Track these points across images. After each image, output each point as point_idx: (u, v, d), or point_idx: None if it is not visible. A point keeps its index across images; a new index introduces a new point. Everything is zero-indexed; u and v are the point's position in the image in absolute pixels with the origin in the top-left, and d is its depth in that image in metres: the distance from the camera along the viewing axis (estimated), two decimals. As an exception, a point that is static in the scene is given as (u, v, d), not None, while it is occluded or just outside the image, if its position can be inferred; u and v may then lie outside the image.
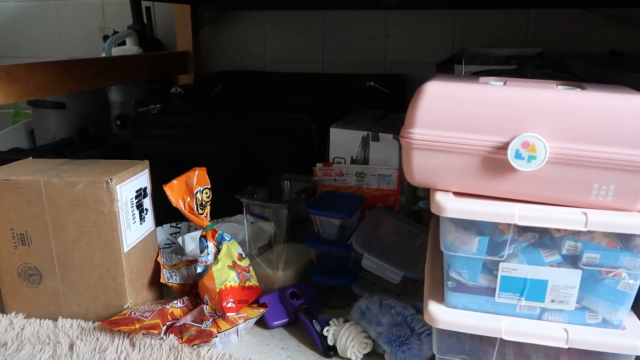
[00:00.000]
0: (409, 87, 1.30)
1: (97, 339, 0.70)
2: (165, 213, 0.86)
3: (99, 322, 0.72)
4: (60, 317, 0.75)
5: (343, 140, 0.93)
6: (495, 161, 0.52)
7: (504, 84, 0.57)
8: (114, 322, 0.70)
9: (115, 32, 1.42)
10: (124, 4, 1.48)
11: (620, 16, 1.19)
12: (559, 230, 0.52)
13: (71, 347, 0.69)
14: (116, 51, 1.39)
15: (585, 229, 0.50)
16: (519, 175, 0.52)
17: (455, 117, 0.53)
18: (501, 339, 0.56)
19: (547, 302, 0.55)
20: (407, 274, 0.75)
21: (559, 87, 0.57)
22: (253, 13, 1.46)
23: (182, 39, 1.46)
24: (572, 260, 0.53)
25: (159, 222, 0.87)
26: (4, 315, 0.76)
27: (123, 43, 1.42)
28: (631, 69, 0.75)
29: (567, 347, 0.54)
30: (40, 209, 0.72)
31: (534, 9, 1.25)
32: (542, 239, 0.54)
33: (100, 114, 1.43)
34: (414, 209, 0.94)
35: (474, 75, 0.65)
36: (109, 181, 0.69)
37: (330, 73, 1.41)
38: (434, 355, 0.63)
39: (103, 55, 1.39)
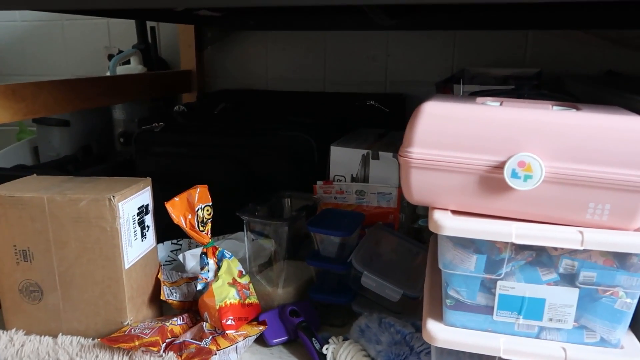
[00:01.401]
0: (409, 106, 1.32)
1: (97, 356, 0.70)
2: (167, 230, 0.86)
3: (99, 339, 0.72)
4: (60, 333, 0.75)
5: (343, 159, 0.94)
6: (492, 180, 0.53)
7: (501, 104, 0.58)
8: (113, 339, 0.70)
9: (120, 51, 1.45)
10: (130, 24, 1.51)
11: (618, 37, 1.21)
12: (555, 248, 0.53)
13: (71, 364, 0.69)
14: (121, 70, 1.41)
15: (582, 248, 0.51)
16: (516, 194, 0.53)
17: (452, 137, 0.54)
18: (500, 358, 0.56)
19: (545, 320, 0.55)
20: (406, 292, 0.75)
21: (555, 107, 0.58)
22: (256, 33, 1.49)
23: (186, 58, 1.48)
24: (569, 279, 0.53)
25: (160, 238, 0.87)
26: (4, 331, 0.76)
27: (128, 62, 1.44)
28: (628, 90, 0.76)
29: (565, 366, 0.54)
30: (43, 225, 0.72)
31: (531, 30, 1.27)
32: (539, 257, 0.54)
33: (104, 131, 1.45)
34: (413, 227, 0.94)
35: (472, 96, 0.66)
36: (112, 198, 0.70)
37: (331, 92, 1.43)
38: (433, 374, 0.63)
39: (108, 73, 1.41)
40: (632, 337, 0.56)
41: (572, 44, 1.25)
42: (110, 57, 1.44)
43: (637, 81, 1.04)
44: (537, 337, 0.56)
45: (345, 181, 0.95)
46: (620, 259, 0.52)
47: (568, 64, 1.25)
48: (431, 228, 0.55)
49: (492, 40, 1.30)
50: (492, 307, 0.56)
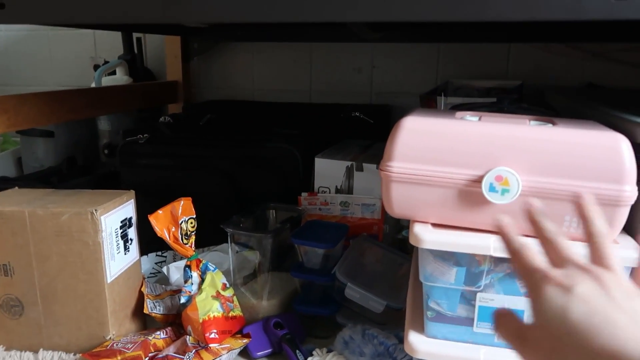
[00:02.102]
0: (394, 117, 1.32)
1: (78, 371, 0.69)
2: (152, 242, 0.86)
3: (81, 355, 0.72)
4: (42, 349, 0.75)
5: (328, 170, 0.95)
6: (471, 194, 0.54)
7: (479, 119, 0.59)
8: (95, 354, 0.70)
9: (106, 62, 1.45)
10: (116, 35, 1.51)
11: (598, 50, 1.24)
12: (533, 261, 0.54)
13: (51, 379, 0.68)
14: (106, 80, 1.41)
15: (558, 260, 0.51)
16: (494, 208, 0.54)
17: (431, 151, 0.55)
18: (481, 369, 0.57)
19: (524, 332, 0.56)
20: (390, 303, 0.75)
21: (532, 122, 0.59)
22: (242, 44, 1.49)
23: (172, 68, 1.48)
24: (547, 291, 0.54)
25: (145, 250, 0.87)
26: (-16, 347, 0.75)
27: (113, 72, 1.44)
28: (607, 103, 0.78)
29: None
30: (24, 239, 0.72)
31: (514, 43, 1.29)
32: (517, 269, 0.55)
33: (89, 142, 1.44)
34: (397, 237, 0.95)
35: (452, 110, 0.68)
36: (94, 212, 0.70)
37: (317, 103, 1.44)
38: (416, 386, 0.63)
39: (93, 84, 1.41)
40: (609, 348, 0.57)
41: (554, 57, 1.27)
42: (96, 67, 1.43)
43: (616, 94, 1.06)
44: (517, 348, 0.57)
45: (329, 192, 0.95)
46: (596, 271, 0.53)
47: (549, 76, 1.28)
48: (411, 241, 0.55)
49: (476, 53, 1.32)
50: (473, 319, 0.57)
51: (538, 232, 0.40)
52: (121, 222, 0.75)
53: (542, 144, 0.52)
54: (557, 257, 0.38)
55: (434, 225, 0.57)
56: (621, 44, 1.21)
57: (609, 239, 0.38)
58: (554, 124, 0.57)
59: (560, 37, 1.20)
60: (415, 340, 0.58)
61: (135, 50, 1.48)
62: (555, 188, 0.51)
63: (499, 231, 0.41)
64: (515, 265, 0.39)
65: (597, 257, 0.37)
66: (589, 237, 0.38)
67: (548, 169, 0.52)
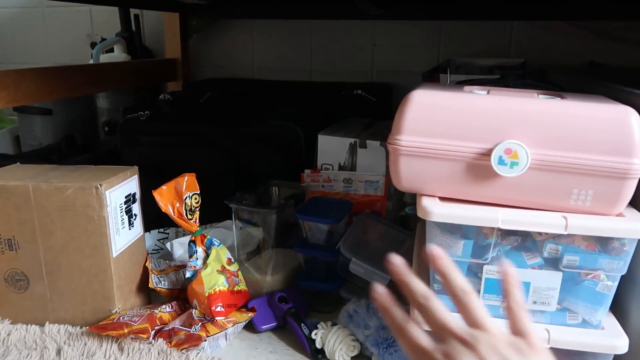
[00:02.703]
0: (396, 96, 1.32)
1: (85, 344, 0.70)
2: (153, 219, 0.86)
3: (87, 327, 0.72)
4: (47, 322, 0.75)
5: (331, 147, 0.94)
6: (480, 167, 0.54)
7: (488, 92, 0.59)
8: (102, 327, 0.70)
9: (103, 39, 1.43)
10: (113, 11, 1.48)
11: (599, 29, 1.23)
12: (540, 233, 0.54)
13: (59, 352, 0.68)
14: (104, 58, 1.39)
15: (566, 233, 0.52)
16: (502, 181, 0.54)
17: (440, 125, 0.55)
18: (485, 341, 0.57)
19: (529, 303, 0.56)
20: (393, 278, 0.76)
21: (540, 96, 0.59)
22: (242, 22, 1.47)
23: (171, 46, 1.46)
24: (553, 263, 0.55)
25: (147, 227, 0.87)
26: (-10, 321, 0.75)
27: (111, 50, 1.42)
28: (610, 81, 0.78)
29: (548, 347, 0.55)
30: (28, 214, 0.71)
31: (516, 21, 1.28)
32: (524, 242, 0.55)
33: (88, 120, 1.43)
34: (400, 214, 0.95)
35: (459, 84, 0.67)
36: (99, 186, 0.70)
37: (318, 81, 1.43)
38: (421, 358, 0.64)
39: (91, 62, 1.39)
40: (613, 319, 0.58)
41: (556, 35, 1.26)
42: (93, 45, 1.41)
43: (618, 72, 1.06)
44: (522, 319, 0.57)
45: (332, 170, 0.95)
46: (602, 243, 0.53)
47: (551, 55, 1.27)
48: (419, 214, 0.55)
49: (478, 31, 1.31)
50: (479, 291, 0.57)
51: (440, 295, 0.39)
52: (125, 197, 0.75)
53: (551, 116, 0.52)
54: (438, 329, 0.36)
55: (442, 199, 0.57)
56: (623, 22, 1.21)
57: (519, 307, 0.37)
58: (562, 97, 0.57)
59: (562, 15, 1.19)
60: (421, 312, 0.58)
61: (133, 28, 1.46)
62: (564, 161, 0.52)
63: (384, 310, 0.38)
64: (400, 341, 0.38)
65: (515, 329, 0.36)
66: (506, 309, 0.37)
67: (557, 142, 0.52)
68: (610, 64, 1.22)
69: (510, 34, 1.30)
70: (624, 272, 0.54)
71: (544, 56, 1.27)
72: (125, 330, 0.69)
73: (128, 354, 0.68)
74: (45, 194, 0.71)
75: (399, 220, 0.95)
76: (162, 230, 1.01)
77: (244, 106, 1.19)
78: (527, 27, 1.28)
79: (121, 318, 0.72)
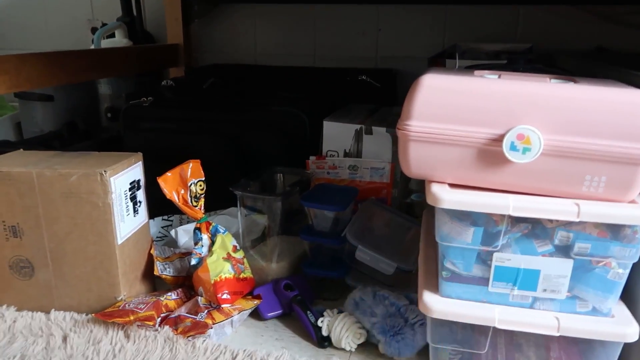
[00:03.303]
0: (400, 82, 1.31)
1: (91, 331, 0.70)
2: (157, 206, 0.85)
3: (93, 315, 0.72)
4: (53, 309, 0.75)
5: (336, 134, 0.93)
6: (491, 153, 0.53)
7: (499, 77, 0.58)
8: (108, 314, 0.70)
9: (104, 24, 1.41)
10: (113, -4, 1.46)
11: (607, 13, 1.21)
12: (551, 221, 0.54)
13: (65, 339, 0.68)
14: (105, 43, 1.38)
15: (577, 220, 0.51)
16: (514, 167, 0.53)
17: (451, 110, 0.54)
18: (494, 328, 0.57)
19: (539, 291, 0.56)
20: (400, 266, 0.76)
21: (553, 80, 0.58)
22: (244, 6, 1.45)
23: (173, 31, 1.44)
24: (564, 250, 0.54)
25: (151, 215, 0.86)
26: (-5, 308, 0.75)
27: (112, 35, 1.40)
28: (618, 65, 0.77)
29: (558, 334, 0.55)
30: (32, 201, 0.71)
31: (522, 5, 1.26)
32: (535, 229, 0.55)
33: (89, 107, 1.41)
34: (406, 201, 0.94)
35: (469, 69, 0.66)
36: (104, 173, 0.69)
37: (321, 67, 1.41)
38: (427, 345, 0.64)
39: (92, 47, 1.37)
40: (623, 307, 0.57)
41: (563, 19, 1.25)
42: (93, 30, 1.40)
43: (626, 57, 1.05)
44: (531, 307, 0.57)
45: (338, 156, 0.94)
46: (614, 231, 0.53)
47: (558, 39, 1.25)
48: (429, 201, 0.55)
49: (484, 16, 1.29)
50: (488, 279, 0.57)
51: None
52: (130, 184, 0.75)
53: (565, 101, 0.51)
54: None
55: (451, 185, 0.57)
56: (631, 6, 1.19)
57: None
58: (575, 82, 0.56)
59: (570, -1, 1.17)
60: (430, 299, 0.58)
61: (134, 13, 1.44)
62: (578, 147, 0.51)
63: None
64: None
65: None
66: None
67: (571, 127, 0.51)
68: (618, 48, 1.21)
69: (517, 18, 1.28)
70: (635, 259, 0.53)
71: (551, 41, 1.25)
72: (131, 318, 0.69)
73: (134, 341, 0.67)
74: (49, 180, 0.70)
75: (405, 208, 0.95)
76: (165, 217, 1.00)
77: (247, 92, 1.18)
78: (534, 11, 1.26)
79: (127, 305, 0.71)
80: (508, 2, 1.25)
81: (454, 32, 1.32)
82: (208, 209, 0.96)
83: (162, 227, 1.00)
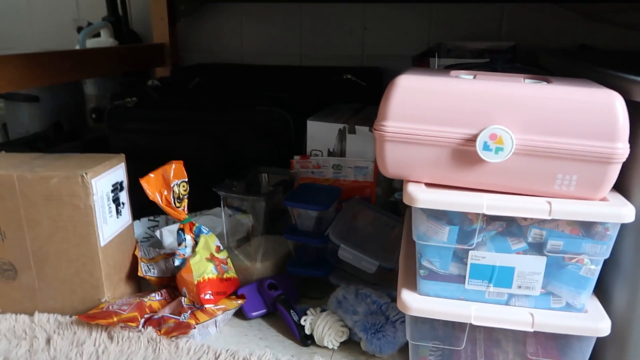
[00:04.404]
0: (386, 80, 1.31)
1: (75, 333, 0.70)
2: (143, 206, 0.86)
3: (76, 316, 0.72)
4: (37, 312, 0.75)
5: (320, 133, 0.94)
6: (465, 153, 0.54)
7: (474, 77, 0.59)
8: (91, 316, 0.70)
9: (89, 24, 1.40)
10: (99, -5, 1.46)
11: (590, 11, 1.22)
12: (525, 219, 0.55)
13: (48, 341, 0.69)
14: (91, 43, 1.37)
15: (550, 218, 0.52)
16: (488, 167, 0.54)
17: (426, 110, 0.54)
18: (471, 325, 0.58)
19: (514, 288, 0.57)
20: (382, 264, 0.76)
21: (526, 80, 0.58)
22: (230, 5, 1.45)
23: (159, 31, 1.44)
24: (537, 248, 0.55)
25: (137, 215, 0.87)
26: (-21, 311, 0.75)
27: (98, 35, 1.40)
28: (600, 64, 0.78)
29: (532, 330, 0.56)
30: (13, 204, 0.71)
31: (508, 4, 1.27)
32: (509, 227, 0.56)
33: (75, 107, 1.41)
34: (390, 200, 0.95)
35: (446, 69, 0.67)
36: (84, 175, 0.69)
37: (307, 66, 1.42)
38: (408, 342, 0.65)
39: (77, 47, 1.37)
40: (596, 302, 0.59)
41: (547, 18, 1.26)
42: (79, 30, 1.39)
43: (609, 55, 1.06)
44: (507, 303, 0.58)
45: (322, 156, 0.95)
46: (586, 228, 0.54)
47: (543, 38, 1.26)
48: (405, 201, 0.55)
49: (469, 14, 1.30)
50: (464, 277, 0.58)
51: None
52: (112, 185, 0.75)
53: (536, 101, 0.51)
54: None
55: (428, 185, 0.57)
56: (615, 5, 1.20)
57: None
58: (548, 82, 0.57)
59: (554, -3, 1.18)
60: (408, 297, 0.59)
61: (120, 12, 1.44)
62: (549, 146, 0.52)
63: None
64: None
65: None
66: None
67: (542, 127, 0.51)
68: (602, 46, 1.22)
69: (502, 16, 1.29)
70: (607, 256, 0.54)
71: (535, 39, 1.26)
72: (115, 319, 0.69)
73: (118, 342, 0.68)
74: (30, 183, 0.70)
75: (389, 206, 0.95)
76: (152, 218, 1.01)
77: (232, 92, 1.18)
78: (519, 10, 1.27)
79: (110, 307, 0.72)
80: (493, 1, 1.26)
81: (439, 31, 1.33)
82: (194, 209, 0.97)
83: (149, 228, 1.00)
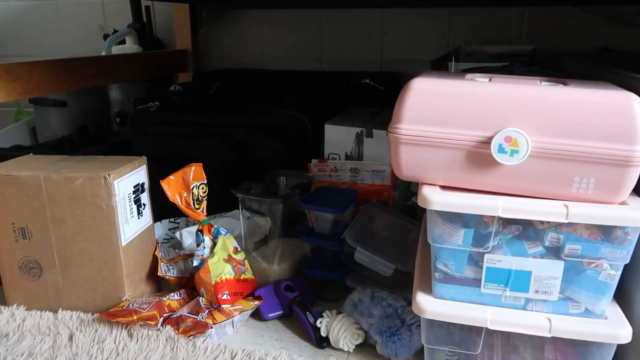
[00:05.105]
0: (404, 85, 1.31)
1: (96, 330, 0.72)
2: (165, 208, 0.88)
3: (98, 314, 0.74)
4: (60, 309, 0.77)
5: (338, 137, 0.94)
6: (480, 155, 0.54)
7: (489, 80, 0.58)
8: (112, 314, 0.72)
9: (115, 31, 1.44)
10: (124, 3, 1.50)
11: (613, 14, 1.20)
12: (542, 222, 0.54)
13: (71, 338, 0.71)
14: (116, 50, 1.41)
15: (567, 221, 0.52)
16: (503, 169, 0.54)
17: (441, 113, 0.54)
18: (488, 330, 0.58)
19: (531, 292, 0.56)
20: (398, 267, 0.76)
21: (543, 83, 0.58)
22: (251, 12, 1.48)
23: (181, 37, 1.47)
24: (554, 252, 0.55)
25: (158, 217, 0.88)
26: (6, 307, 0.78)
27: (123, 42, 1.43)
28: (622, 66, 0.77)
29: (550, 336, 0.55)
30: (40, 203, 0.73)
31: (528, 7, 1.26)
32: (525, 231, 0.55)
33: (101, 112, 1.45)
34: (407, 204, 0.95)
35: (462, 72, 0.67)
36: (107, 176, 0.71)
37: (326, 71, 1.43)
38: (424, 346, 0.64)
39: (103, 54, 1.41)
40: (616, 308, 0.57)
41: (568, 21, 1.24)
42: (105, 37, 1.43)
43: (632, 58, 1.04)
44: (524, 308, 0.57)
45: (339, 159, 0.96)
46: (605, 232, 0.53)
47: (564, 41, 1.25)
48: (420, 203, 0.56)
49: (488, 18, 1.29)
50: (480, 280, 0.57)
51: None
52: (134, 187, 0.77)
53: (552, 103, 0.51)
54: None
55: (442, 187, 0.57)
56: (636, 7, 1.18)
57: None
58: (565, 84, 0.56)
59: (575, 0, 1.17)
60: (423, 300, 0.59)
61: (144, 19, 1.48)
62: (566, 149, 0.51)
63: None
64: None
65: None
66: None
67: (558, 129, 0.51)
68: (625, 49, 1.20)
69: (522, 20, 1.27)
70: (627, 261, 0.53)
71: (556, 42, 1.25)
72: (134, 317, 0.71)
73: (137, 340, 0.69)
74: (56, 183, 0.72)
75: (406, 210, 0.95)
76: (172, 219, 1.02)
77: (252, 96, 1.20)
78: (539, 13, 1.26)
79: (130, 305, 0.73)
80: (513, 4, 1.25)
81: (458, 35, 1.32)
82: (213, 211, 0.98)
83: (169, 229, 1.02)
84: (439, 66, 1.09)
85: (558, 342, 0.60)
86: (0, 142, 1.40)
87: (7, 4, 1.71)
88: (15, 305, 0.78)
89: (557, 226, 0.54)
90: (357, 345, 0.71)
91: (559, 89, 0.53)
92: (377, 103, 1.16)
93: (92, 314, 0.76)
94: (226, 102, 1.13)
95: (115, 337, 0.70)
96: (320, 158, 0.96)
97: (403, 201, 0.95)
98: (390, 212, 0.89)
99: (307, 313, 0.75)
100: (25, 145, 1.40)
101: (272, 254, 0.86)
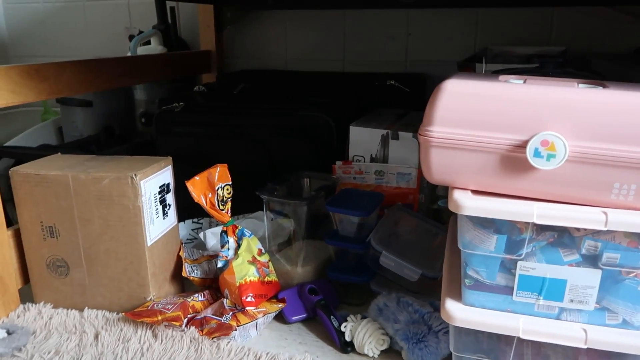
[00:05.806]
0: (430, 86, 1.29)
1: (121, 330, 0.72)
2: (188, 209, 0.88)
3: (123, 314, 0.74)
4: (86, 307, 0.78)
5: (362, 139, 0.93)
6: (514, 159, 0.52)
7: (524, 82, 0.57)
8: (137, 314, 0.72)
9: (140, 32, 1.46)
10: (150, 5, 1.51)
11: (648, 14, 1.17)
12: (578, 229, 0.52)
13: (96, 336, 0.71)
14: (141, 50, 1.42)
15: (605, 229, 0.50)
16: (538, 174, 0.52)
17: (474, 115, 0.53)
18: (519, 339, 0.56)
19: (565, 301, 0.55)
20: (425, 272, 0.75)
21: (580, 85, 0.56)
22: (275, 13, 1.47)
23: (205, 38, 1.48)
24: (591, 260, 0.53)
25: (181, 217, 0.88)
26: (33, 304, 0.79)
27: (148, 42, 1.45)
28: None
29: (585, 347, 0.53)
30: (67, 202, 0.74)
31: (558, 7, 1.23)
32: (561, 238, 0.53)
33: (126, 112, 1.46)
34: (433, 207, 0.94)
35: (494, 74, 0.65)
36: (134, 177, 0.71)
37: (350, 72, 1.42)
38: (451, 354, 0.63)
39: (129, 54, 1.42)
40: (656, 320, 0.55)
41: (599, 21, 1.21)
42: (131, 37, 1.45)
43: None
44: (558, 318, 0.56)
45: (364, 161, 0.95)
46: (645, 241, 0.51)
47: (595, 42, 1.22)
48: (451, 208, 0.54)
49: (516, 18, 1.26)
50: (512, 288, 0.56)
51: None
52: (160, 187, 0.77)
53: (592, 106, 0.49)
54: None
55: (474, 192, 0.56)
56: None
57: None
58: (604, 86, 0.54)
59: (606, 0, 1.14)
60: (452, 307, 0.57)
61: (169, 20, 1.49)
62: (605, 154, 0.49)
63: None
64: None
65: None
66: None
67: (597, 133, 0.49)
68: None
69: (551, 20, 1.24)
70: (669, 271, 0.51)
71: (587, 43, 1.21)
72: (159, 318, 0.71)
73: (162, 341, 0.69)
74: (83, 183, 0.73)
75: (432, 214, 0.94)
76: (196, 220, 1.03)
77: (276, 97, 1.19)
78: (569, 13, 1.23)
79: (155, 305, 0.74)
80: (542, 4, 1.23)
81: (485, 36, 1.30)
82: (237, 212, 0.98)
83: (192, 230, 1.02)
84: (466, 67, 1.07)
85: (592, 353, 0.58)
86: (27, 141, 1.42)
87: (36, 5, 1.74)
88: (42, 303, 0.79)
89: (595, 234, 0.52)
90: (382, 351, 0.70)
91: (598, 92, 0.51)
92: (402, 105, 1.14)
93: (118, 314, 0.76)
94: (250, 103, 1.13)
95: (140, 337, 0.70)
96: (345, 160, 0.95)
97: (428, 205, 0.93)
98: (416, 215, 0.88)
99: (332, 317, 0.74)
100: (52, 144, 1.42)
101: (295, 256, 0.86)
